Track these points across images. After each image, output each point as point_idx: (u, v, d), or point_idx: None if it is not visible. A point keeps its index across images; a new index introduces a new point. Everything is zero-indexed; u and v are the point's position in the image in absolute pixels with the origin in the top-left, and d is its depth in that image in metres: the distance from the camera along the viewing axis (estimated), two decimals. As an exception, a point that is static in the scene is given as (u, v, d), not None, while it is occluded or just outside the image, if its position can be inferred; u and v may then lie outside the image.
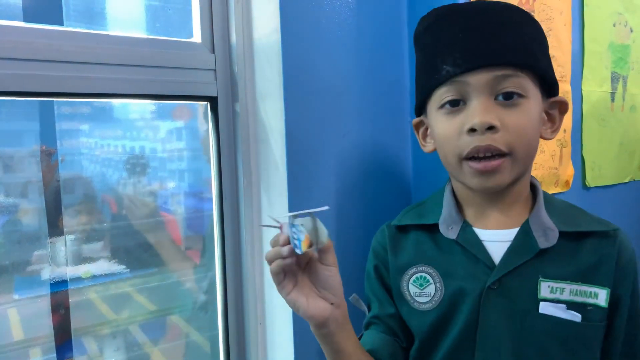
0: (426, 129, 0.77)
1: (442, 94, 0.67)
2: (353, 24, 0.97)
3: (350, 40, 0.96)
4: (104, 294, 1.00)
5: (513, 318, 0.66)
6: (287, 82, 0.87)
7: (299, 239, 0.59)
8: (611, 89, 1.51)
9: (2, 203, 0.87)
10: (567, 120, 1.34)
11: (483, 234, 0.71)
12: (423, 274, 0.73)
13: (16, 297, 0.90)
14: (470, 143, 0.64)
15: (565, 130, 1.33)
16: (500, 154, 0.64)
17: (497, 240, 0.70)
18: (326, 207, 0.61)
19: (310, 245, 0.59)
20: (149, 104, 1.03)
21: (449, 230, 0.72)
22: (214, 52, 0.92)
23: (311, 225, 0.60)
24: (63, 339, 0.91)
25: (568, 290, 0.66)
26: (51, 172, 0.89)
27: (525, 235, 0.68)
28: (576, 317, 0.65)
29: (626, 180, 1.60)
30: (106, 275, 0.99)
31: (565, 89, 1.32)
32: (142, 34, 0.89)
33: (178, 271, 1.09)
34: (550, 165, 1.29)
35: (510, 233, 0.69)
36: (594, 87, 1.44)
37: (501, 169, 0.64)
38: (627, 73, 1.57)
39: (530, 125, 0.66)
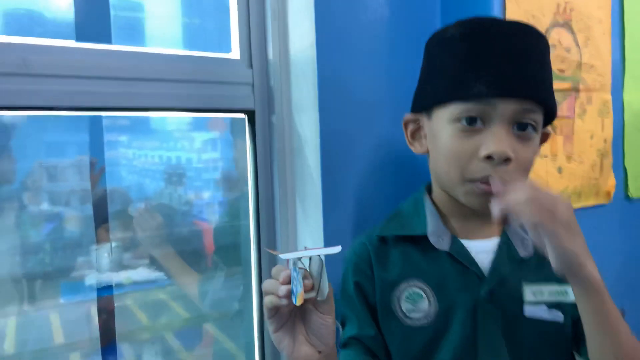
0: (418, 129, 0.74)
1: (463, 109, 0.65)
2: (386, 37, 0.98)
3: (384, 54, 0.97)
4: (142, 300, 1.03)
5: (505, 325, 0.68)
6: (322, 95, 0.89)
7: (296, 290, 0.55)
8: (654, 98, 1.46)
9: (50, 210, 0.92)
10: (608, 129, 1.31)
11: (468, 244, 0.71)
12: (416, 289, 0.70)
13: (62, 301, 0.94)
14: (483, 170, 0.63)
15: (605, 140, 1.30)
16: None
17: (481, 250, 0.71)
18: (338, 248, 0.57)
19: (312, 288, 0.56)
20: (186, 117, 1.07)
21: (441, 242, 0.71)
22: (251, 67, 0.95)
23: (317, 268, 0.57)
24: (107, 342, 0.94)
25: (547, 292, 0.69)
26: (97, 182, 0.93)
27: (507, 245, 0.71)
28: (559, 316, 0.69)
29: (671, 192, 1.54)
30: (145, 282, 1.02)
31: (605, 98, 1.29)
32: (184, 51, 0.93)
33: (214, 279, 1.11)
34: (590, 176, 1.26)
35: (492, 243, 0.71)
36: (636, 96, 1.40)
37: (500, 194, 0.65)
38: (671, 81, 1.51)
39: (532, 158, 0.68)
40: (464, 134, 0.65)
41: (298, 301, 0.54)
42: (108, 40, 0.88)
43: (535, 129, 0.66)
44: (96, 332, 0.94)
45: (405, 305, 0.70)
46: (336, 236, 0.91)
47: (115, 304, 0.96)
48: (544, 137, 0.73)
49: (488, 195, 0.64)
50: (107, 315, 0.95)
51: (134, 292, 1.01)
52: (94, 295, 0.94)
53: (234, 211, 1.13)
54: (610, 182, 1.32)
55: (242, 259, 1.10)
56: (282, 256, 0.57)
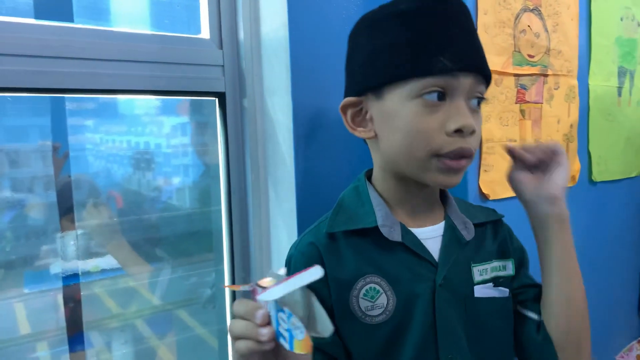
0: (360, 112, 0.70)
1: (427, 84, 0.63)
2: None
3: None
4: (111, 288, 1.01)
5: (458, 307, 0.70)
6: (295, 78, 0.88)
7: (291, 335, 0.46)
8: (618, 84, 1.50)
9: (10, 198, 0.88)
10: (574, 114, 1.34)
11: (416, 232, 0.71)
12: (372, 285, 0.67)
13: (26, 291, 0.91)
14: (453, 143, 0.63)
15: (572, 125, 1.33)
16: (469, 156, 0.66)
17: (429, 237, 0.71)
18: (318, 267, 0.47)
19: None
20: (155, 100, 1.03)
21: (393, 232, 0.68)
22: (222, 48, 0.93)
23: (305, 300, 0.48)
24: (74, 331, 0.92)
25: (489, 268, 0.73)
26: (61, 167, 0.89)
27: (452, 230, 0.72)
28: (504, 292, 0.73)
29: (633, 175, 1.60)
30: (114, 269, 1.00)
31: (571, 84, 1.32)
32: (151, 31, 0.89)
33: (185, 266, 1.10)
34: (557, 160, 1.29)
35: (437, 229, 0.72)
36: (601, 82, 1.44)
37: (463, 169, 0.67)
38: (635, 67, 1.56)
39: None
40: (428, 109, 0.63)
41: (302, 349, 0.45)
42: (70, 19, 0.84)
43: (480, 103, 0.68)
44: (63, 322, 0.91)
45: (363, 303, 0.67)
46: (310, 221, 0.90)
47: (82, 293, 0.93)
48: None
49: (453, 171, 0.65)
50: (74, 304, 0.92)
51: (103, 280, 0.98)
52: (60, 284, 0.92)
53: (205, 197, 1.11)
54: (575, 167, 1.36)
55: (213, 246, 1.09)
56: (263, 299, 0.48)
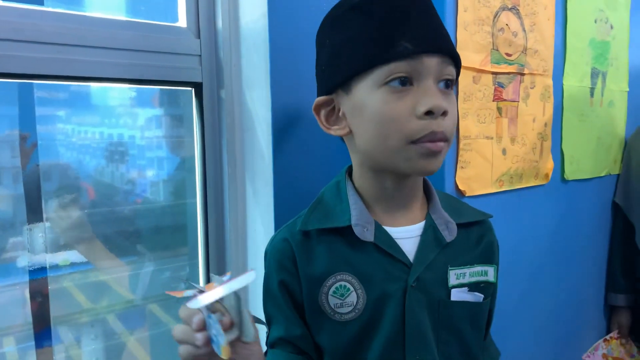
0: (333, 110, 0.70)
1: (391, 70, 0.62)
2: (341, 12, 0.96)
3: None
4: (81, 282, 0.98)
5: (431, 309, 0.69)
6: (274, 69, 0.86)
7: (217, 340, 0.48)
8: (591, 85, 1.54)
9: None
10: (548, 113, 1.36)
11: (393, 232, 0.69)
12: (343, 283, 0.68)
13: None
14: (425, 126, 0.61)
15: (546, 124, 1.36)
16: (444, 139, 0.64)
17: (406, 237, 0.70)
18: (253, 274, 0.50)
19: (231, 327, 0.49)
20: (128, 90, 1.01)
21: (365, 232, 0.67)
22: (199, 37, 0.91)
23: (235, 305, 0.50)
24: (41, 327, 0.89)
25: (468, 273, 0.71)
26: (28, 157, 0.86)
27: (432, 230, 0.70)
28: (479, 297, 0.72)
29: (603, 174, 1.64)
30: (84, 263, 0.97)
31: (547, 83, 1.34)
32: (126, 17, 0.86)
33: (159, 260, 1.08)
34: (531, 158, 1.31)
35: (417, 228, 0.70)
36: (574, 82, 1.47)
37: (442, 153, 0.65)
38: (607, 69, 1.60)
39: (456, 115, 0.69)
40: (395, 95, 0.62)
41: (224, 354, 0.47)
42: (39, 2, 0.80)
43: (452, 85, 0.67)
44: (29, 317, 0.88)
45: (332, 301, 0.67)
46: (287, 216, 0.89)
47: (50, 287, 0.90)
48: None
49: (432, 154, 0.63)
50: (41, 298, 0.89)
51: (73, 274, 0.95)
52: (27, 277, 0.88)
53: (180, 190, 1.09)
54: (548, 165, 1.39)
55: (188, 240, 1.07)
56: (191, 304, 0.49)
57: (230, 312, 0.50)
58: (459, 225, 0.72)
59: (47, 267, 0.90)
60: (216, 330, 0.48)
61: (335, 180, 0.75)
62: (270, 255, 0.72)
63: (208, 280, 0.97)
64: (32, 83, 0.83)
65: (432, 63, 0.63)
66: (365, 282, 0.68)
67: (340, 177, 0.74)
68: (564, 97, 1.44)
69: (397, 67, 0.62)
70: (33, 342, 0.88)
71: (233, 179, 0.95)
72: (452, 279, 0.70)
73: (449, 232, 0.70)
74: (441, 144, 0.63)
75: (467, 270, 0.72)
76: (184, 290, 0.51)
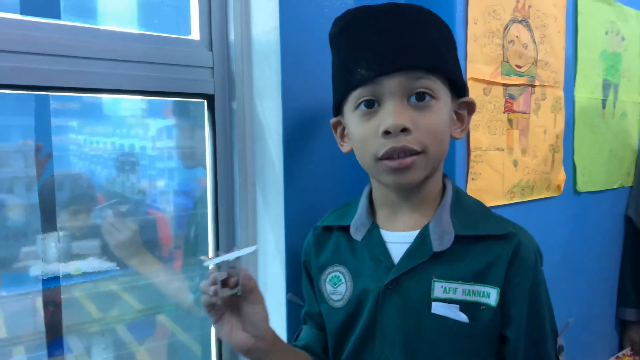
0: (343, 129, 0.77)
1: (357, 96, 0.68)
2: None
3: (349, 41, 0.96)
4: (93, 291, 0.99)
5: (407, 315, 0.70)
6: (285, 81, 0.87)
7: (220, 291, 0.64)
8: (602, 96, 1.53)
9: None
10: (560, 125, 1.36)
11: (389, 235, 0.74)
12: (337, 274, 0.78)
13: (4, 293, 0.88)
14: (385, 144, 0.66)
15: (557, 136, 1.35)
16: (414, 153, 0.66)
17: (400, 242, 0.73)
18: (253, 248, 0.66)
19: (237, 284, 0.64)
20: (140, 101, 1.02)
21: (357, 233, 0.76)
22: (211, 49, 0.92)
23: (236, 268, 0.65)
24: (53, 336, 0.90)
25: (461, 290, 0.68)
26: (43, 167, 0.87)
27: (423, 238, 0.71)
28: (462, 317, 0.68)
29: (615, 186, 1.62)
30: (96, 272, 0.97)
31: (558, 95, 1.34)
32: (140, 30, 0.88)
33: (168, 270, 1.08)
34: (543, 170, 1.30)
35: (412, 235, 0.72)
36: (586, 94, 1.46)
37: (414, 166, 0.67)
38: (618, 81, 1.59)
39: (441, 125, 0.68)
40: (365, 117, 0.68)
41: (220, 300, 0.64)
42: (57, 15, 0.82)
43: (434, 97, 0.67)
44: (42, 326, 0.89)
45: (328, 288, 0.78)
46: (297, 226, 0.89)
47: (62, 296, 0.91)
48: (470, 107, 0.75)
49: (395, 171, 0.67)
50: (53, 308, 0.90)
51: (84, 283, 0.96)
52: (40, 287, 0.89)
53: (190, 200, 1.10)
54: (560, 177, 1.38)
55: (199, 250, 1.07)
56: (205, 263, 0.66)
57: (238, 275, 0.65)
58: (463, 238, 0.69)
59: (60, 276, 0.91)
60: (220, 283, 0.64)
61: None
62: (304, 243, 0.85)
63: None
64: (48, 94, 0.84)
65: (392, 83, 0.66)
66: (355, 277, 0.76)
67: (367, 184, 0.82)
68: (576, 109, 1.43)
69: (360, 93, 0.68)
70: (45, 352, 0.88)
71: (244, 189, 0.95)
72: (438, 291, 0.69)
73: (440, 243, 0.69)
74: (407, 160, 0.66)
75: (460, 286, 0.68)
76: (211, 257, 0.67)
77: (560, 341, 0.74)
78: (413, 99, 0.66)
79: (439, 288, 0.69)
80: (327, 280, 0.79)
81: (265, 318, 0.67)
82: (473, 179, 1.11)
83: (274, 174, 0.90)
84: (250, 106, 0.94)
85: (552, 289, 1.44)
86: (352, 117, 0.71)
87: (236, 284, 0.64)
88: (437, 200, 0.74)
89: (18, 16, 0.75)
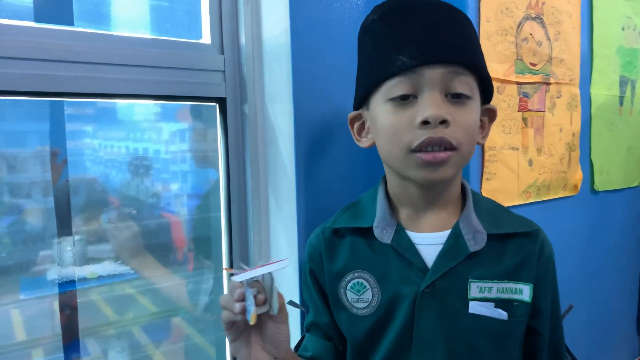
0: (362, 124, 0.74)
1: (393, 86, 0.65)
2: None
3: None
4: (108, 295, 0.99)
5: (445, 319, 0.68)
6: (296, 84, 0.87)
7: (249, 309, 0.58)
8: (620, 93, 1.50)
9: (8, 203, 0.87)
10: (576, 123, 1.34)
11: (416, 237, 0.71)
12: (359, 280, 0.72)
13: (22, 297, 0.89)
14: (422, 135, 0.63)
15: (573, 134, 1.33)
16: (450, 148, 0.64)
17: (429, 243, 0.70)
18: (287, 262, 0.60)
19: (265, 302, 0.60)
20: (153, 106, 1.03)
21: (383, 234, 0.71)
22: (223, 53, 0.92)
23: (269, 284, 0.60)
24: (70, 338, 0.91)
25: (495, 288, 0.68)
26: (59, 173, 0.88)
27: (456, 239, 0.69)
28: (502, 315, 0.68)
29: (634, 185, 1.59)
30: (111, 276, 0.98)
31: (574, 92, 1.31)
32: (152, 35, 0.89)
33: (182, 273, 1.08)
34: (559, 169, 1.28)
35: (442, 236, 0.70)
36: (603, 91, 1.43)
37: (448, 162, 0.64)
38: (636, 77, 1.56)
39: (475, 124, 0.67)
40: (398, 108, 0.65)
41: (252, 321, 0.58)
42: (70, 22, 0.83)
43: (468, 96, 0.66)
44: (59, 328, 0.90)
45: (350, 295, 0.73)
46: (310, 228, 0.89)
47: (78, 299, 0.92)
48: (491, 115, 0.74)
49: (428, 165, 0.64)
50: (70, 311, 0.91)
51: (99, 287, 0.97)
52: (56, 290, 0.90)
53: (203, 203, 1.10)
54: (577, 176, 1.35)
55: (212, 252, 1.07)
56: (235, 278, 0.60)
57: (266, 290, 0.60)
58: (493, 236, 0.70)
59: (76, 279, 0.92)
60: (250, 302, 0.58)
61: (373, 187, 0.79)
62: (307, 247, 0.79)
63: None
64: (62, 101, 0.86)
65: (434, 74, 0.64)
66: (381, 282, 0.71)
67: (377, 184, 0.78)
68: (592, 106, 1.40)
69: (399, 82, 0.65)
70: (62, 354, 0.89)
71: (256, 192, 0.95)
72: (474, 291, 0.68)
73: (475, 242, 0.69)
74: (442, 154, 0.63)
75: (495, 285, 0.68)
76: (234, 269, 0.62)
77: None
78: (450, 95, 0.65)
79: (475, 288, 0.68)
80: (348, 287, 0.73)
81: (289, 337, 0.64)
82: (488, 179, 1.09)
83: (286, 177, 0.90)
84: (262, 109, 0.94)
85: (570, 290, 1.41)
86: (383, 107, 0.67)
87: (264, 301, 0.59)
88: (459, 201, 0.74)
89: (32, 24, 0.76)
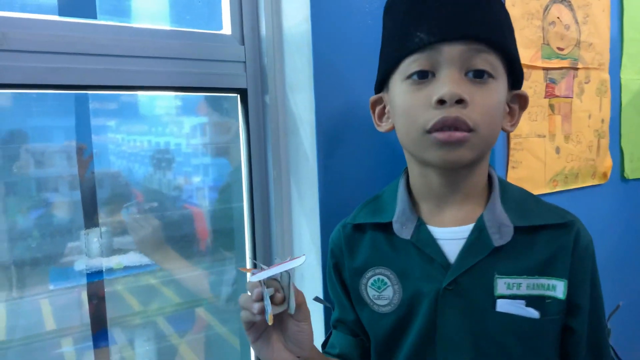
0: (383, 108, 0.72)
1: (411, 64, 0.63)
2: (382, 12, 0.95)
3: (381, 29, 0.94)
4: (133, 285, 1.01)
5: (471, 317, 0.65)
6: (317, 73, 0.86)
7: (267, 309, 0.57)
8: (651, 77, 1.45)
9: (37, 197, 0.89)
10: (605, 109, 1.30)
11: (438, 232, 0.67)
12: (380, 277, 0.70)
13: (51, 287, 0.91)
14: (437, 115, 0.60)
15: (603, 120, 1.29)
16: (466, 129, 0.60)
17: (452, 238, 0.67)
18: (303, 259, 0.59)
19: (283, 301, 0.58)
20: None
21: (403, 230, 0.68)
22: (243, 43, 0.92)
23: (286, 282, 0.59)
24: (98, 328, 0.92)
25: (525, 284, 0.64)
26: (85, 167, 0.90)
27: (479, 233, 0.66)
28: (533, 313, 0.64)
29: (667, 173, 1.54)
30: (136, 267, 1.00)
31: (603, 77, 1.27)
32: (172, 27, 0.89)
33: (205, 264, 1.09)
34: (587, 157, 1.25)
35: (465, 230, 0.66)
36: (634, 76, 1.39)
37: (464, 143, 0.61)
38: (669, 61, 1.50)
39: (496, 107, 0.63)
40: (415, 87, 0.63)
41: (270, 321, 0.57)
42: (93, 15, 0.84)
43: (492, 75, 0.62)
44: (87, 318, 0.92)
45: (371, 292, 0.71)
46: (333, 219, 0.89)
47: (105, 289, 0.94)
48: (522, 102, 0.69)
49: (444, 145, 0.61)
50: (97, 301, 0.93)
51: (125, 277, 0.99)
52: (84, 280, 0.92)
53: (226, 195, 1.10)
54: (606, 164, 1.32)
55: (235, 243, 1.08)
56: (251, 278, 0.59)
57: (283, 289, 0.59)
58: (521, 229, 0.65)
59: (103, 270, 0.94)
60: (267, 301, 0.57)
61: (395, 180, 0.76)
62: (330, 243, 0.78)
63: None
64: (87, 95, 0.87)
65: (453, 51, 0.61)
66: (402, 279, 0.69)
67: (399, 177, 0.75)
68: (622, 92, 1.36)
69: (416, 60, 0.63)
70: (91, 343, 0.91)
71: (278, 183, 0.95)
72: (501, 288, 0.64)
73: (501, 236, 0.65)
74: (457, 133, 0.60)
75: (524, 281, 0.64)
76: (252, 268, 0.61)
77: (608, 324, 0.71)
78: (471, 74, 0.61)
79: (502, 284, 0.64)
80: (369, 284, 0.71)
81: (311, 336, 0.62)
82: (513, 167, 1.07)
83: (308, 167, 0.90)
84: (283, 99, 0.94)
85: (602, 283, 1.38)
86: (400, 87, 0.65)
87: (283, 300, 0.58)
88: (485, 191, 0.70)
89: (57, 17, 0.77)
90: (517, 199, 0.69)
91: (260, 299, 0.57)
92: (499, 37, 0.63)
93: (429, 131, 0.61)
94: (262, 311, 0.57)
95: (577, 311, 0.67)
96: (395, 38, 0.65)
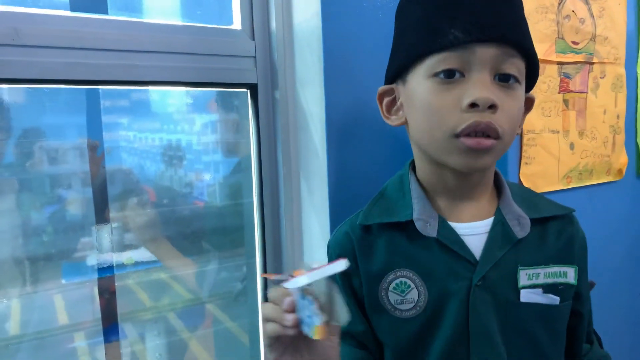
0: (393, 100, 0.69)
1: (440, 61, 0.60)
2: (395, 7, 0.93)
3: (392, 24, 0.93)
4: (144, 280, 1.02)
5: (498, 310, 0.65)
6: (327, 68, 0.86)
7: (311, 321, 0.49)
8: (669, 72, 1.42)
9: (50, 193, 0.89)
10: (621, 105, 1.27)
11: (458, 228, 0.66)
12: (403, 279, 0.66)
13: (64, 282, 0.92)
14: (468, 119, 0.58)
15: (618, 116, 1.26)
16: (495, 136, 0.59)
17: (472, 233, 0.66)
18: (344, 263, 0.51)
19: (325, 320, 0.50)
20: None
21: (428, 227, 0.65)
22: (254, 39, 0.91)
23: (327, 290, 0.51)
24: (109, 322, 0.93)
25: (542, 274, 0.66)
26: (97, 164, 0.90)
27: (501, 226, 0.66)
28: (554, 300, 0.66)
29: (684, 170, 1.51)
30: (146, 262, 1.00)
31: (619, 72, 1.25)
32: (183, 22, 0.89)
33: (216, 259, 1.10)
34: (602, 153, 1.23)
35: (484, 225, 0.66)
36: (650, 71, 1.36)
37: (491, 151, 0.60)
38: (687, 55, 1.47)
39: (519, 113, 0.63)
40: (443, 86, 0.60)
41: (316, 334, 0.49)
42: (104, 11, 0.84)
43: (517, 80, 0.61)
44: (99, 313, 0.93)
45: (392, 297, 0.66)
46: (342, 215, 0.88)
47: (116, 284, 0.94)
48: (529, 104, 0.69)
49: (473, 152, 0.59)
50: (109, 296, 0.93)
51: (135, 272, 0.99)
52: (95, 275, 0.93)
53: (236, 191, 1.11)
54: (622, 160, 1.29)
55: (245, 239, 1.08)
56: (287, 285, 0.52)
57: (319, 297, 0.51)
58: (533, 221, 0.67)
59: (114, 265, 0.94)
60: (310, 311, 0.49)
61: (398, 174, 0.74)
62: (333, 249, 0.72)
63: (265, 282, 0.98)
64: (98, 92, 0.87)
65: (486, 54, 0.59)
66: (427, 279, 0.65)
67: (404, 171, 0.73)
68: (638, 87, 1.33)
69: (447, 58, 0.60)
70: (102, 337, 0.92)
71: (288, 178, 0.95)
72: (523, 279, 0.65)
73: (521, 228, 0.66)
74: (487, 142, 0.59)
75: (542, 271, 0.66)
76: (275, 274, 0.55)
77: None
78: (498, 77, 0.60)
79: (524, 276, 0.65)
80: (391, 289, 0.66)
81: (338, 351, 0.57)
82: (526, 163, 1.05)
83: (318, 163, 0.89)
84: (293, 95, 0.93)
85: (615, 280, 1.36)
86: (424, 84, 0.62)
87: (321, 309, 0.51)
88: (493, 189, 0.71)
89: (68, 13, 0.77)
90: (522, 194, 0.71)
91: (293, 309, 0.51)
92: (528, 43, 0.62)
93: (457, 135, 0.60)
94: (297, 323, 0.50)
95: (581, 295, 0.71)
96: (423, 30, 0.62)
